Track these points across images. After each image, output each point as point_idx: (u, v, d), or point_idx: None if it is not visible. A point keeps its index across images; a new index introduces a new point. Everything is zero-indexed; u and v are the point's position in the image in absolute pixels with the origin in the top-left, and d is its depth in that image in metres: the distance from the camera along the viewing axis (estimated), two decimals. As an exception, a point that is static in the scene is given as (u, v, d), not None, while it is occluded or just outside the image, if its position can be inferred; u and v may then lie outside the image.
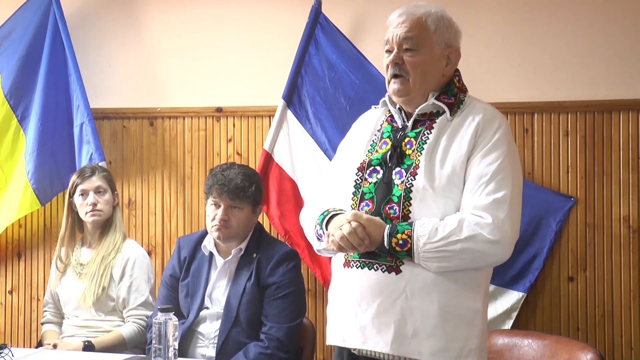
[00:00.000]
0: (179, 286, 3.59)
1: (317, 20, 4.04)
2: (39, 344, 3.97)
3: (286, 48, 4.13)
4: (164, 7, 4.41)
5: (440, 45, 2.68)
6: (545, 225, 3.86)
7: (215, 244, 3.57)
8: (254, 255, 3.50)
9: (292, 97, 4.07)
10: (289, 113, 4.07)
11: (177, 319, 2.80)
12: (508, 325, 3.82)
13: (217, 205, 3.49)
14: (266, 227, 4.02)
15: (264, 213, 4.08)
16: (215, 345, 3.43)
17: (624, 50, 3.88)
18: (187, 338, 3.48)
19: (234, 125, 4.30)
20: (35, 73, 4.35)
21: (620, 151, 3.86)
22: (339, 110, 4.00)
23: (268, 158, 4.07)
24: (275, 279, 3.45)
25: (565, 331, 3.89)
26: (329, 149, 3.96)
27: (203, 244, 3.58)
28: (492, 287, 3.82)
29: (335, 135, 3.94)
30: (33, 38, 4.36)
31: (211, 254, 3.57)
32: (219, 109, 4.30)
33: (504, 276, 3.85)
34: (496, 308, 3.83)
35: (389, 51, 2.71)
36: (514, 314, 3.83)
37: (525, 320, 3.91)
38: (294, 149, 4.06)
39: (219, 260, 3.55)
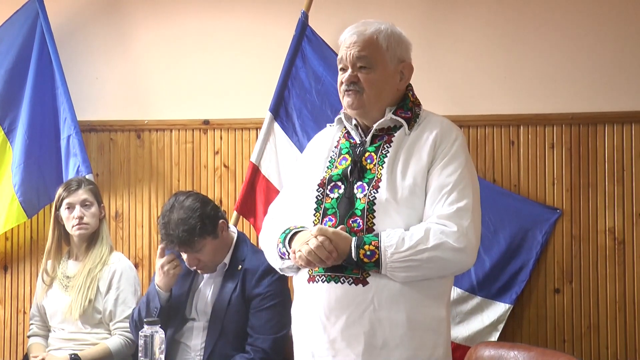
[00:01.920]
0: None
1: (303, 33, 4.05)
2: (25, 358, 3.96)
3: (273, 61, 4.14)
4: (151, 21, 4.41)
5: (393, 61, 2.74)
6: (531, 237, 3.87)
7: None
8: (239, 267, 3.50)
9: (279, 109, 4.08)
10: (276, 125, 4.08)
11: (163, 332, 2.80)
12: (494, 337, 3.83)
13: (184, 252, 3.46)
14: (253, 239, 4.02)
15: (252, 225, 4.09)
16: (202, 358, 3.42)
17: (608, 64, 3.91)
18: (173, 349, 3.47)
19: (221, 138, 4.31)
20: (22, 86, 4.34)
21: (605, 163, 3.88)
22: (326, 123, 3.99)
23: (255, 170, 4.07)
24: (260, 291, 3.45)
25: (551, 343, 3.90)
26: (316, 161, 3.96)
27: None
28: (478, 299, 3.84)
29: (322, 147, 3.95)
30: (20, 51, 4.36)
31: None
32: (206, 122, 4.31)
33: (490, 288, 3.86)
34: (483, 320, 3.84)
35: (342, 69, 2.78)
36: (501, 326, 3.84)
37: (512, 332, 3.92)
38: (280, 161, 4.07)
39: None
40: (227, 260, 3.53)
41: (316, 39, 4.05)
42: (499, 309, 3.85)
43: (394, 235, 2.55)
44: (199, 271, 3.52)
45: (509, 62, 4.01)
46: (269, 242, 2.84)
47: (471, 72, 4.02)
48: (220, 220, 3.50)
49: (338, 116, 2.87)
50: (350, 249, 2.56)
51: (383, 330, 2.58)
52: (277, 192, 4.05)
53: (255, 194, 4.06)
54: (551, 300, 3.93)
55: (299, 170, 2.95)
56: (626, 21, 3.91)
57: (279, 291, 3.48)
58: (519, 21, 4.00)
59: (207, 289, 3.53)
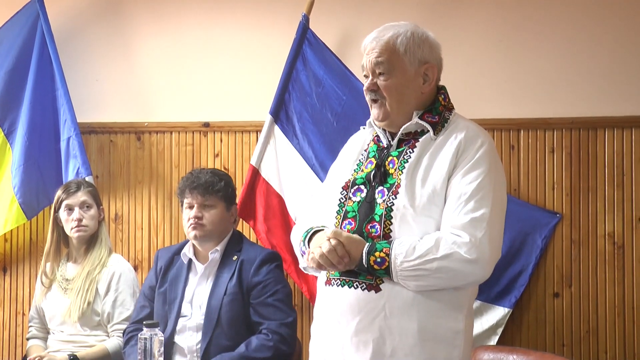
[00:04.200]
0: (155, 294, 3.61)
1: (304, 36, 4.05)
2: (24, 359, 3.96)
3: (274, 64, 4.14)
4: (151, 23, 4.41)
5: (414, 64, 2.67)
6: (530, 241, 3.87)
7: (195, 252, 3.60)
8: (234, 257, 3.53)
9: (280, 112, 4.08)
10: (276, 128, 4.08)
11: (162, 334, 2.80)
12: (493, 341, 3.83)
13: (190, 207, 3.55)
14: (253, 241, 4.03)
15: (251, 228, 4.09)
16: (199, 351, 3.43)
17: (608, 68, 3.91)
18: (168, 350, 3.47)
19: (221, 140, 4.31)
20: (22, 87, 4.34)
21: (605, 168, 3.89)
22: (326, 126, 4.01)
23: (255, 173, 4.07)
24: (260, 279, 3.47)
25: (550, 347, 3.90)
26: (316, 164, 3.97)
27: (182, 251, 3.61)
28: (477, 303, 3.83)
29: (322, 150, 3.95)
30: (20, 52, 4.36)
31: (190, 261, 3.59)
32: (206, 124, 4.31)
33: (489, 292, 3.85)
34: (482, 324, 3.83)
35: (365, 76, 2.73)
36: (500, 330, 3.84)
37: (511, 336, 3.92)
38: (281, 164, 4.07)
39: (198, 267, 3.57)
40: (220, 247, 3.55)
41: (317, 42, 4.05)
42: (498, 313, 3.85)
43: (405, 243, 2.50)
44: (192, 233, 3.53)
45: (509, 66, 4.01)
46: (295, 240, 2.83)
47: (471, 76, 4.02)
48: (235, 204, 3.70)
49: (368, 120, 2.81)
50: (362, 255, 2.53)
51: (393, 338, 2.53)
52: (277, 195, 4.06)
53: (255, 196, 4.07)
54: (550, 305, 3.93)
55: (332, 170, 2.92)
56: (626, 26, 3.91)
57: (279, 278, 3.54)
58: (519, 25, 4.01)
59: (202, 282, 3.55)
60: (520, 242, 3.87)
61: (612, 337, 3.88)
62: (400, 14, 3.98)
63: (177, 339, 3.50)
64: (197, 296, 3.53)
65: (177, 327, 3.50)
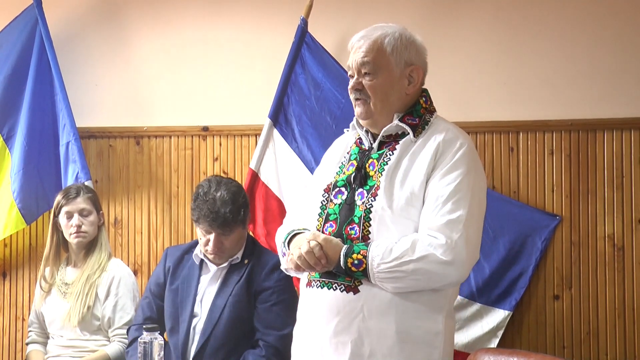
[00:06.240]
0: (166, 291, 3.60)
1: (303, 39, 4.05)
2: (24, 364, 3.96)
3: (272, 67, 4.14)
4: (150, 27, 4.42)
5: (400, 65, 2.69)
6: (530, 243, 3.87)
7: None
8: (245, 261, 3.52)
9: (279, 116, 4.08)
10: (275, 132, 4.08)
11: (162, 339, 2.80)
12: (494, 343, 3.83)
13: (208, 232, 3.47)
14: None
15: (251, 232, 4.09)
16: (197, 346, 3.44)
17: (609, 70, 3.91)
18: (184, 348, 3.47)
19: (220, 144, 4.31)
20: (21, 92, 4.34)
21: (604, 170, 3.89)
22: (325, 129, 4.01)
23: (254, 177, 4.07)
24: (270, 284, 3.46)
25: (551, 349, 3.90)
26: (315, 167, 3.96)
27: (195, 252, 3.59)
28: (477, 306, 3.84)
29: (322, 154, 3.91)
30: (19, 57, 4.36)
31: (202, 262, 3.58)
32: (205, 128, 4.31)
33: (489, 294, 3.86)
34: (482, 326, 3.83)
35: (351, 76, 2.74)
36: (500, 333, 3.84)
37: (511, 338, 3.91)
38: (280, 167, 4.07)
39: (211, 267, 3.56)
40: (239, 254, 3.54)
41: (315, 46, 4.05)
42: (498, 316, 3.85)
43: (382, 246, 2.52)
44: (210, 257, 3.51)
45: (508, 68, 4.01)
46: (278, 242, 2.85)
47: (470, 78, 4.02)
48: (250, 214, 3.64)
49: (352, 122, 2.84)
50: (340, 257, 2.56)
51: (371, 340, 2.55)
52: (277, 198, 4.06)
53: (255, 200, 4.06)
54: (550, 307, 3.93)
55: (316, 173, 2.95)
56: (626, 27, 3.91)
57: (288, 286, 3.51)
58: (518, 27, 4.01)
59: (213, 283, 3.54)
60: (520, 245, 3.87)
61: (613, 338, 3.87)
62: (398, 16, 3.99)
63: (191, 339, 3.50)
64: (207, 295, 3.53)
65: (191, 329, 3.51)
